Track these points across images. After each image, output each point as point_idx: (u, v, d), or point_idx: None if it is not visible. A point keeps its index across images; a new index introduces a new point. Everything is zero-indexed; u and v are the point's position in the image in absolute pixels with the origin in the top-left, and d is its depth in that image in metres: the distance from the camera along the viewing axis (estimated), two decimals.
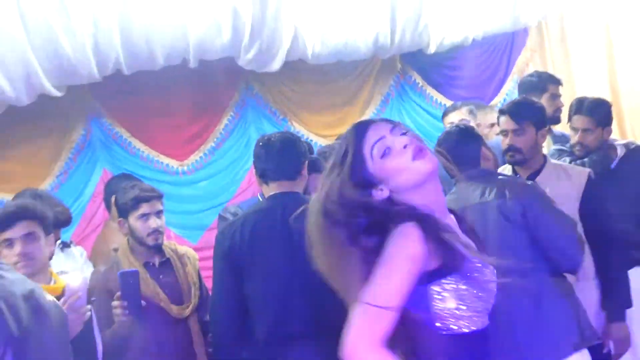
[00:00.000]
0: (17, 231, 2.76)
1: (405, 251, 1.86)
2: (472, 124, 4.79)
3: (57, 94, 4.40)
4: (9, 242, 2.77)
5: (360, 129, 2.05)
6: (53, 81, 4.32)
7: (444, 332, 1.92)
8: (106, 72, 4.45)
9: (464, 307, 1.91)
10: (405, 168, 1.96)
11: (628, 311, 3.67)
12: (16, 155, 4.81)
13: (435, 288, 1.89)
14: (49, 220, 2.98)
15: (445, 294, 1.90)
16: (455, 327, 1.92)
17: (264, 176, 3.35)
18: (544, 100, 4.36)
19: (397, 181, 1.98)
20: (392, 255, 1.86)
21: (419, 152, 1.95)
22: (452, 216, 2.11)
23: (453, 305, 1.90)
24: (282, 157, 3.28)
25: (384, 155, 1.98)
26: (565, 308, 3.20)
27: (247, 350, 3.29)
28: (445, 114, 5.14)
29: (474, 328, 1.93)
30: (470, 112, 5.01)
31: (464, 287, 1.91)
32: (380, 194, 2.00)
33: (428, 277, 1.89)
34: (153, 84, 4.90)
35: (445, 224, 1.97)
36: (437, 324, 1.92)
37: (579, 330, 3.18)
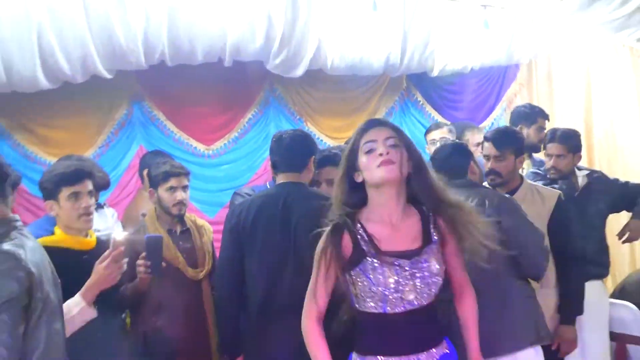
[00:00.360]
0: (85, 186, 2.81)
1: (319, 247, 2.31)
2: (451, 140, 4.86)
3: (107, 76, 4.39)
4: (75, 196, 2.77)
5: (367, 126, 2.37)
6: (105, 64, 4.32)
7: (359, 309, 2.31)
8: (152, 61, 4.45)
9: (361, 294, 2.27)
10: (370, 169, 2.26)
11: (583, 318, 3.72)
12: (66, 125, 4.82)
13: (348, 276, 2.28)
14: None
15: (351, 281, 2.28)
16: (358, 307, 2.31)
17: (274, 167, 3.39)
18: (531, 131, 4.40)
19: (365, 175, 2.30)
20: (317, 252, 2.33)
21: (384, 163, 2.23)
22: (417, 216, 2.36)
23: (355, 291, 2.29)
24: (289, 151, 3.29)
25: (367, 152, 2.28)
26: (526, 308, 3.23)
27: (244, 316, 3.31)
28: (428, 131, 5.17)
29: (374, 311, 2.27)
30: (450, 130, 5.05)
31: (361, 279, 2.25)
32: (357, 177, 2.33)
33: (348, 267, 2.27)
34: (191, 77, 4.89)
35: (367, 232, 2.29)
36: (355, 303, 2.32)
37: (535, 329, 3.20)
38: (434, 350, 2.29)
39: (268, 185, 4.27)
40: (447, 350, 2.36)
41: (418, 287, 2.23)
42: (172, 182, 3.58)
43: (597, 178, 4.14)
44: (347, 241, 2.28)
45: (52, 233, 2.87)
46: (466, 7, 4.86)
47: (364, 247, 2.26)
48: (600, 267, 4.00)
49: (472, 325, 2.49)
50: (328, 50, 4.76)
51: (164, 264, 3.33)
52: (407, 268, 2.22)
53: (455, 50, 5.29)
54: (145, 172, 4.28)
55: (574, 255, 3.55)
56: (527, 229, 3.22)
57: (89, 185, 2.85)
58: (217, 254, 3.67)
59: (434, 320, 2.33)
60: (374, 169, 2.25)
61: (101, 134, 4.92)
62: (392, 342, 2.27)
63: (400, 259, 2.23)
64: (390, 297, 2.21)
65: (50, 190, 2.83)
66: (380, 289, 2.21)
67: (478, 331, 2.96)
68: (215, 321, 3.61)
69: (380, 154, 2.24)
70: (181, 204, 3.60)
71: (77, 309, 2.59)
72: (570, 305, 3.55)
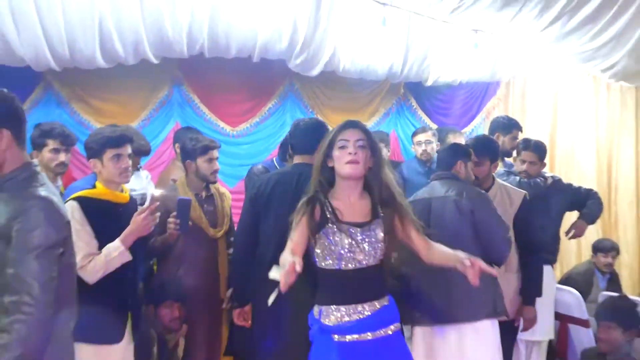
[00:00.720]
0: (126, 149, 2.79)
1: (296, 211, 2.46)
2: (435, 143, 4.89)
3: (154, 61, 4.42)
4: (118, 157, 2.75)
5: (344, 126, 2.49)
6: (153, 51, 4.34)
7: (320, 267, 2.45)
8: (192, 52, 4.46)
9: (322, 253, 2.42)
10: (340, 162, 2.42)
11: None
12: (116, 99, 4.85)
13: (314, 238, 2.41)
14: None
15: (315, 243, 2.42)
16: (319, 265, 2.45)
17: (292, 149, 3.39)
18: (507, 139, 4.39)
19: (335, 165, 2.45)
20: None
21: (350, 162, 2.40)
22: (369, 199, 2.50)
23: (318, 251, 2.43)
24: (303, 136, 3.28)
25: (340, 147, 2.42)
26: (487, 287, 3.21)
27: (256, 271, 3.31)
28: (415, 133, 5.13)
29: (331, 267, 2.42)
30: (434, 134, 5.01)
31: (323, 239, 2.41)
32: (329, 162, 2.47)
33: (315, 230, 2.40)
34: (224, 68, 4.89)
35: (332, 206, 2.43)
36: (317, 262, 2.45)
37: (493, 305, 3.23)
38: (376, 302, 2.43)
39: (275, 162, 4.29)
40: (387, 303, 2.48)
41: (366, 250, 2.40)
42: (211, 154, 3.60)
43: (557, 182, 4.19)
44: (317, 211, 2.43)
45: (94, 187, 2.87)
46: (460, 30, 4.86)
47: (328, 216, 2.42)
48: (552, 254, 4.05)
49: (449, 251, 2.52)
50: (341, 56, 4.78)
51: (190, 223, 3.38)
52: (358, 235, 2.40)
53: (448, 66, 5.30)
54: (176, 145, 4.31)
55: (534, 247, 3.59)
56: (495, 221, 3.26)
57: (129, 149, 2.84)
58: (235, 219, 3.69)
59: (378, 278, 2.46)
60: (343, 164, 2.41)
61: (145, 109, 4.94)
62: (343, 293, 2.43)
63: (354, 227, 2.41)
64: (345, 256, 2.38)
65: (95, 150, 2.79)
66: (337, 248, 2.38)
67: (445, 299, 3.08)
68: (227, 274, 3.64)
69: (350, 153, 2.39)
70: (217, 172, 3.65)
71: (116, 252, 2.64)
72: (531, 289, 3.60)
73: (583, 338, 4.14)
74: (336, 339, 2.39)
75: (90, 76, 4.55)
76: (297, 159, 3.30)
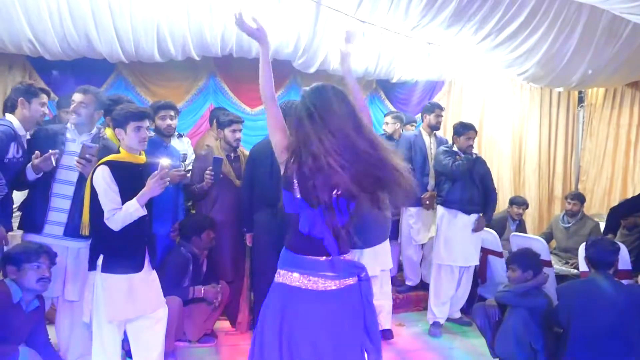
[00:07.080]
0: (145, 123, 2.60)
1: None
2: (398, 124, 4.78)
3: (196, 58, 4.46)
4: (138, 129, 2.56)
5: None
6: (196, 51, 4.38)
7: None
8: (224, 52, 4.50)
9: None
10: None
11: (470, 232, 3.99)
12: (168, 85, 4.90)
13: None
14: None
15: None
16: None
17: None
18: (432, 117, 4.32)
19: None
20: None
21: None
22: None
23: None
24: None
25: None
26: (379, 227, 3.50)
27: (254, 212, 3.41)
28: (385, 115, 5.08)
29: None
30: (400, 118, 5.00)
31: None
32: None
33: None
34: (246, 65, 4.85)
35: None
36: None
37: (379, 238, 3.50)
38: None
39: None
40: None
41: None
42: (234, 126, 3.62)
43: (478, 158, 4.05)
44: None
45: (119, 152, 2.65)
46: (418, 42, 4.87)
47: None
48: (479, 206, 4.02)
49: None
50: (331, 59, 4.79)
51: (221, 175, 3.47)
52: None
53: (407, 68, 5.31)
54: (214, 120, 4.33)
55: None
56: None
57: (147, 122, 2.63)
58: None
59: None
60: None
61: (188, 93, 4.99)
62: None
63: None
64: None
65: (120, 122, 2.58)
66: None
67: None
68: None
69: None
70: (238, 140, 3.67)
71: (133, 209, 2.48)
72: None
73: (498, 265, 4.20)
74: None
75: (149, 68, 4.59)
76: None
